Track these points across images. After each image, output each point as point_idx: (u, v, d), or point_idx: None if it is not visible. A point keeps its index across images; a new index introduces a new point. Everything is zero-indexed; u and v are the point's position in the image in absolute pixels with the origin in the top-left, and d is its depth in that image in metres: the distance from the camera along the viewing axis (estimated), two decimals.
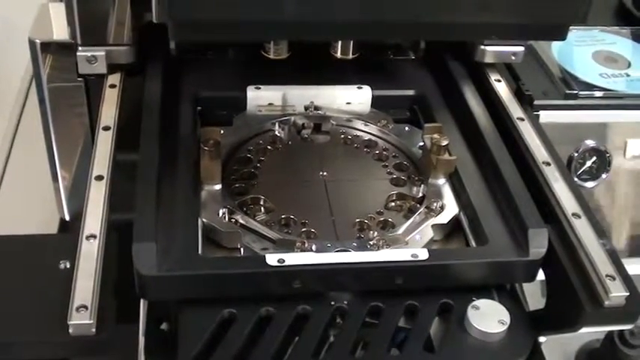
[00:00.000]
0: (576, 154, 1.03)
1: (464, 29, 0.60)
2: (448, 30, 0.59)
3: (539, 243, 0.75)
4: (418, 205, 0.83)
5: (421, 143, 0.89)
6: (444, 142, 0.84)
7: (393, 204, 0.84)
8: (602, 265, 0.72)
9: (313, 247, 0.75)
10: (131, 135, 0.82)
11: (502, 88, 0.96)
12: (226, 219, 0.78)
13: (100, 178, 0.76)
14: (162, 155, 0.80)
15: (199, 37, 0.65)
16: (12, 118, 1.13)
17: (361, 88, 0.97)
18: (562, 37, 0.61)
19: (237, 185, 0.84)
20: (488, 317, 0.72)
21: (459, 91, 0.96)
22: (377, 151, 0.92)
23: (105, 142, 0.81)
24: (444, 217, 0.81)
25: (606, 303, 0.70)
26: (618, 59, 1.12)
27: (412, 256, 0.73)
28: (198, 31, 0.60)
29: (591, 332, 0.86)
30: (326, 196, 0.84)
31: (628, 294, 0.70)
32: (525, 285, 0.81)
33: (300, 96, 0.95)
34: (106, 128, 0.83)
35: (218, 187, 0.81)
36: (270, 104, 0.95)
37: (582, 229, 0.76)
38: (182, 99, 0.92)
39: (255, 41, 1.00)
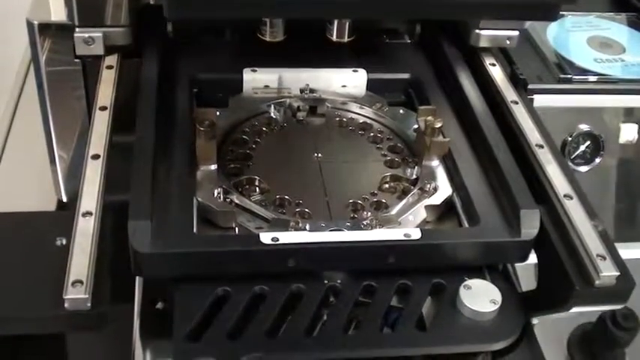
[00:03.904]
0: (570, 139, 1.04)
1: (454, 8, 0.60)
2: (438, 8, 0.59)
3: (530, 224, 0.75)
4: (412, 187, 0.84)
5: (415, 126, 0.89)
6: (438, 125, 0.85)
7: (386, 185, 0.85)
8: (593, 245, 0.73)
9: (307, 227, 0.76)
10: (128, 116, 0.83)
11: (497, 72, 0.97)
12: (221, 199, 0.79)
13: (96, 157, 0.77)
14: (158, 135, 0.80)
15: (195, 15, 0.65)
16: (11, 99, 1.14)
17: (357, 71, 0.97)
18: (553, 17, 0.61)
19: (232, 166, 0.85)
20: (480, 297, 0.73)
21: (454, 74, 0.96)
22: (371, 134, 0.92)
23: (101, 122, 0.81)
24: (437, 198, 0.82)
25: (597, 282, 0.71)
26: (613, 45, 1.12)
27: (405, 235, 0.73)
28: (194, 9, 0.60)
29: (584, 314, 0.86)
30: (320, 177, 0.84)
31: (618, 274, 0.71)
32: (519, 270, 0.82)
33: (296, 78, 0.95)
34: (103, 108, 0.83)
35: (213, 167, 0.82)
36: (265, 86, 0.95)
37: (574, 210, 0.77)
38: (178, 81, 0.92)
39: (251, 19, 1.00)
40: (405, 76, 1.00)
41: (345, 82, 0.97)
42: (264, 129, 0.91)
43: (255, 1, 0.59)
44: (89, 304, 0.63)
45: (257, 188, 0.83)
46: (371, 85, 0.97)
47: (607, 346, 0.86)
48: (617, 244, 0.75)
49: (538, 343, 0.75)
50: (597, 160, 1.06)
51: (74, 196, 0.75)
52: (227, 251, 0.71)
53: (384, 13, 0.77)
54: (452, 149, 0.86)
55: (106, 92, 0.85)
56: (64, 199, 0.96)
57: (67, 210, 0.94)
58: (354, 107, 0.96)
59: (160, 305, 0.75)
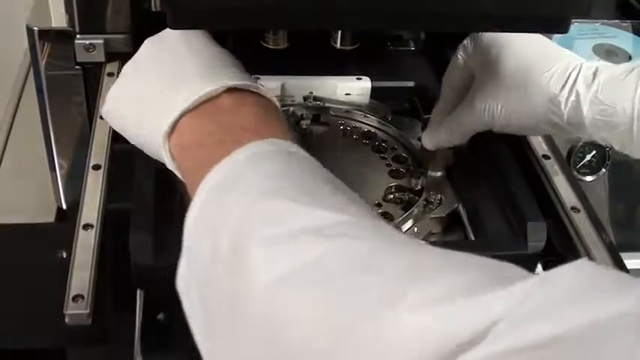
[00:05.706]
0: (576, 148, 1.03)
1: (461, 20, 0.59)
2: (444, 21, 0.58)
3: (537, 236, 0.74)
4: (417, 198, 0.83)
5: (420, 135, 0.88)
6: None
7: (391, 196, 0.84)
8: (601, 258, 0.72)
9: None
10: None
11: None
12: None
13: (97, 167, 0.76)
14: None
15: (199, 25, 0.64)
16: (9, 106, 1.13)
17: (361, 79, 0.96)
18: (564, 30, 0.60)
19: None
20: None
21: None
22: (376, 143, 0.91)
23: (102, 131, 0.80)
24: (443, 210, 0.81)
25: None
26: (619, 53, 1.11)
27: None
28: (198, 19, 0.59)
29: None
30: None
31: None
32: None
33: (299, 86, 0.94)
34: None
35: None
36: None
37: (581, 222, 0.76)
38: None
39: (256, 30, 0.99)
40: (410, 84, 0.99)
41: (349, 90, 0.96)
42: None
43: (260, 13, 0.58)
44: (90, 320, 0.62)
45: None
46: (375, 93, 0.96)
47: None
48: (622, 254, 0.74)
49: None
50: (603, 170, 1.05)
51: (74, 203, 0.74)
52: None
53: (388, 25, 0.76)
54: (458, 160, 0.85)
55: None
56: (64, 207, 0.96)
57: (66, 217, 0.93)
58: (358, 116, 0.95)
59: (161, 316, 0.74)
